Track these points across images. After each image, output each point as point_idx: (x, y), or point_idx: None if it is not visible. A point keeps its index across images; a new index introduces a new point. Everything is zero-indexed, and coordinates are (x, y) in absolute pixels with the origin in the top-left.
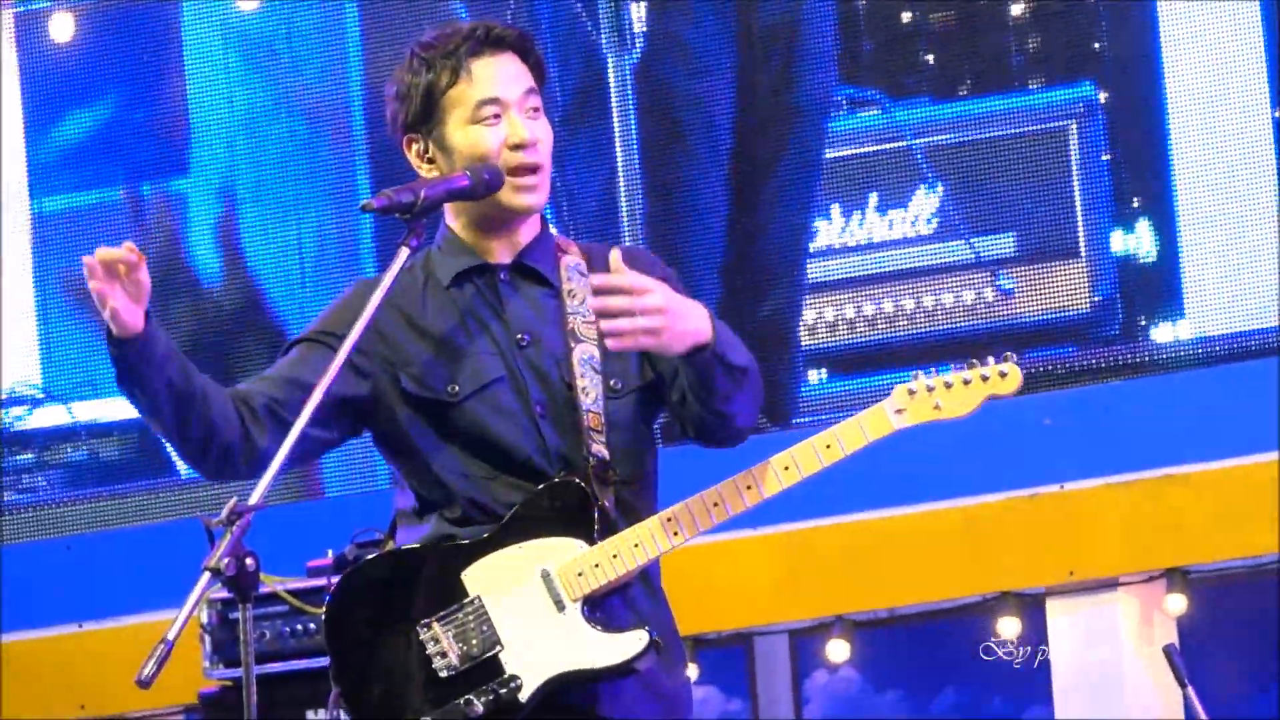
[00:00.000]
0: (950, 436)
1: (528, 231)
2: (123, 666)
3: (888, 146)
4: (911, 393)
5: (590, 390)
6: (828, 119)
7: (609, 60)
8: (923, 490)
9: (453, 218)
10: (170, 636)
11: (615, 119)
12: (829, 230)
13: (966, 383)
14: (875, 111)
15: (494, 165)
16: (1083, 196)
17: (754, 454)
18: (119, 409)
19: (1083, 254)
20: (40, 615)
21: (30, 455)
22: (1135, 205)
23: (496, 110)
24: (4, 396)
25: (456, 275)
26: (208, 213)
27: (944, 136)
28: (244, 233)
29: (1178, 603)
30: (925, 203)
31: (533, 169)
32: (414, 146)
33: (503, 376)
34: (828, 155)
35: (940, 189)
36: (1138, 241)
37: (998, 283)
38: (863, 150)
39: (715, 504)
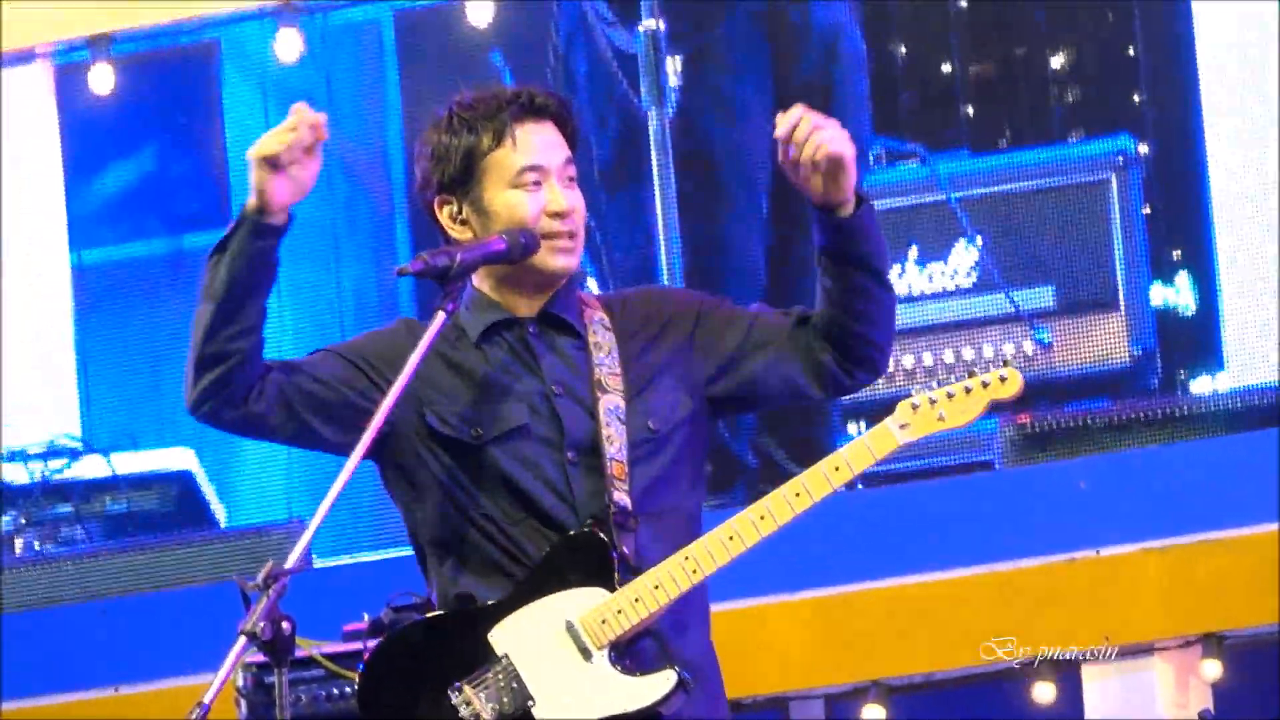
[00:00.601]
0: (987, 501)
1: (555, 288)
2: None
3: (927, 199)
4: (914, 407)
5: (615, 439)
6: (866, 171)
7: (649, 115)
8: (959, 555)
9: (480, 277)
10: (206, 700)
11: (655, 175)
12: None
13: (968, 390)
14: (914, 163)
15: (530, 230)
16: (1122, 249)
17: None
18: (158, 461)
19: (1122, 307)
20: (77, 678)
21: (69, 507)
22: (1175, 258)
23: (538, 177)
24: (44, 449)
25: (485, 330)
26: None
27: (983, 189)
28: (282, 285)
29: (1214, 669)
30: (964, 256)
31: (570, 235)
32: (446, 208)
33: (527, 425)
34: None
35: (979, 241)
36: (1177, 294)
37: (1036, 335)
38: (902, 203)
39: (731, 537)
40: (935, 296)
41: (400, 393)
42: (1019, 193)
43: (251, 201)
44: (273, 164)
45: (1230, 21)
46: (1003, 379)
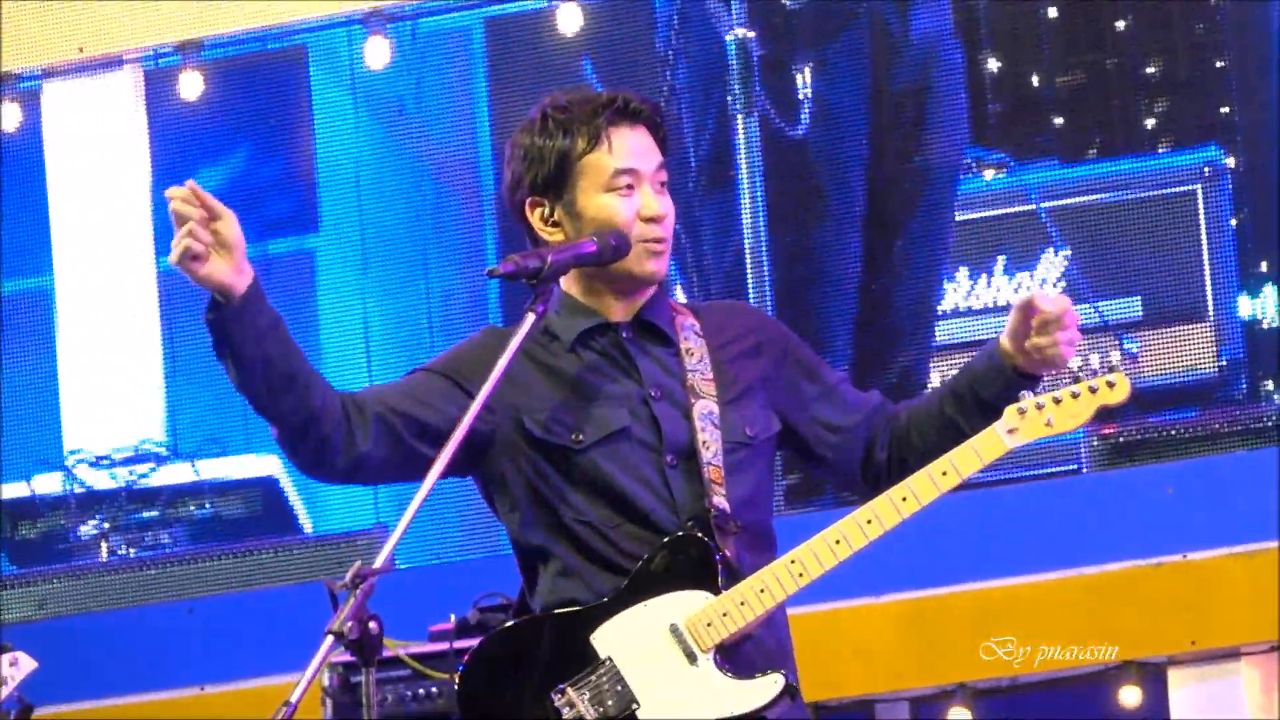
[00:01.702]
0: (1074, 505)
1: (645, 293)
2: None
3: (1015, 209)
4: (1021, 412)
5: (711, 444)
6: (958, 181)
7: (738, 122)
8: (1044, 559)
9: (570, 281)
10: (293, 699)
11: (744, 182)
12: (956, 292)
13: (1075, 395)
14: (1003, 174)
15: (621, 232)
16: (1209, 260)
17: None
18: (244, 467)
19: (1209, 317)
20: (164, 677)
21: (155, 512)
22: (1262, 269)
23: (631, 181)
24: (130, 454)
25: (580, 335)
26: (337, 269)
27: (1071, 199)
28: (371, 290)
29: None
30: (1052, 265)
31: (661, 240)
32: (538, 210)
33: (627, 428)
34: (956, 218)
35: (1067, 251)
36: (1264, 305)
37: (1123, 345)
38: (990, 213)
39: (838, 541)
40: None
41: (489, 396)
42: (1107, 203)
43: (212, 296)
44: (193, 257)
45: None
46: (1110, 385)
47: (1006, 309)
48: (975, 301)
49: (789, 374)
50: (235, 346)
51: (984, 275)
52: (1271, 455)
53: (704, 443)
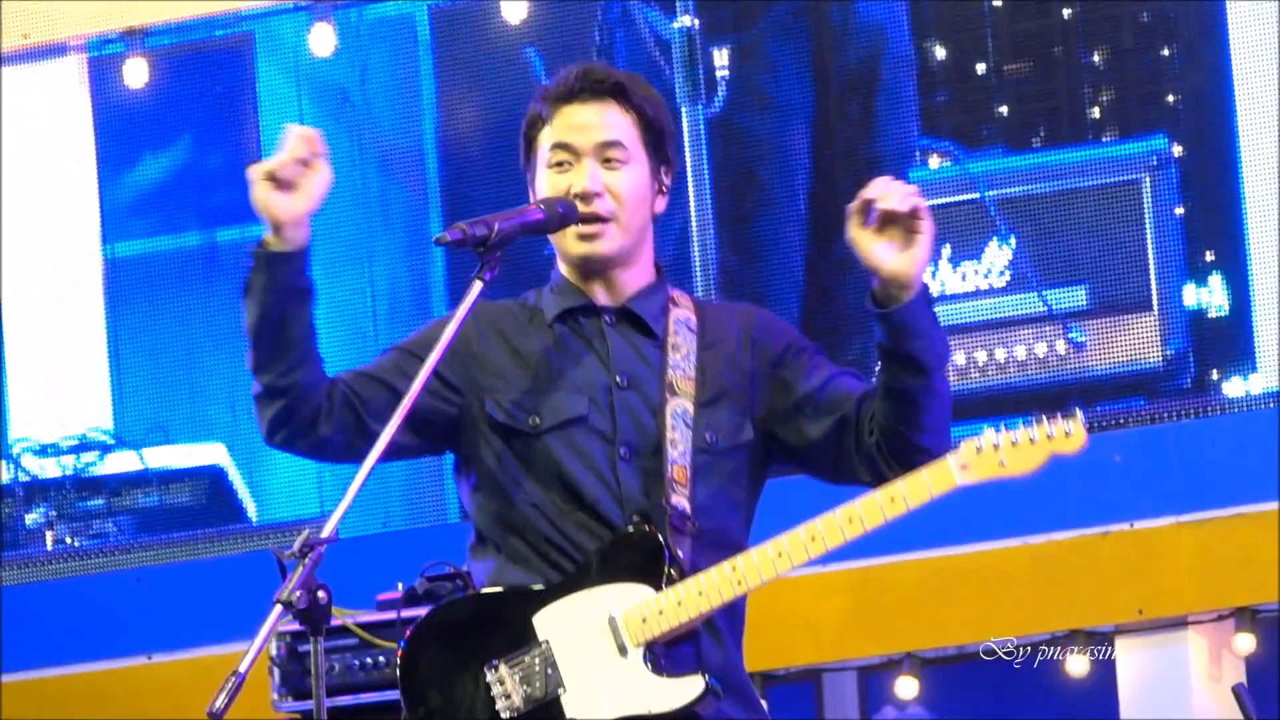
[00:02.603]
0: None
1: (636, 279)
2: (193, 698)
3: (961, 198)
4: (978, 450)
5: (679, 443)
6: (907, 170)
7: (683, 109)
8: (993, 528)
9: (560, 262)
10: (242, 669)
11: (689, 173)
12: None
13: (1032, 440)
14: (948, 163)
15: (569, 200)
16: (1155, 249)
17: (826, 501)
18: (189, 456)
19: (1155, 307)
20: (110, 646)
21: (101, 500)
22: (1208, 259)
23: (565, 157)
24: (75, 443)
25: (561, 312)
26: None
27: (1017, 188)
28: (316, 278)
29: (1246, 642)
30: (998, 255)
31: (596, 218)
32: (528, 178)
33: (584, 416)
34: None
35: (1013, 241)
36: (1210, 295)
37: (1069, 335)
38: (936, 202)
39: (779, 554)
40: (968, 295)
41: (433, 369)
42: (1053, 192)
43: (265, 236)
44: (273, 179)
45: (1265, 23)
46: (1067, 434)
47: (953, 298)
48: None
49: (785, 374)
50: (263, 290)
51: (929, 265)
52: (1215, 423)
53: (672, 441)
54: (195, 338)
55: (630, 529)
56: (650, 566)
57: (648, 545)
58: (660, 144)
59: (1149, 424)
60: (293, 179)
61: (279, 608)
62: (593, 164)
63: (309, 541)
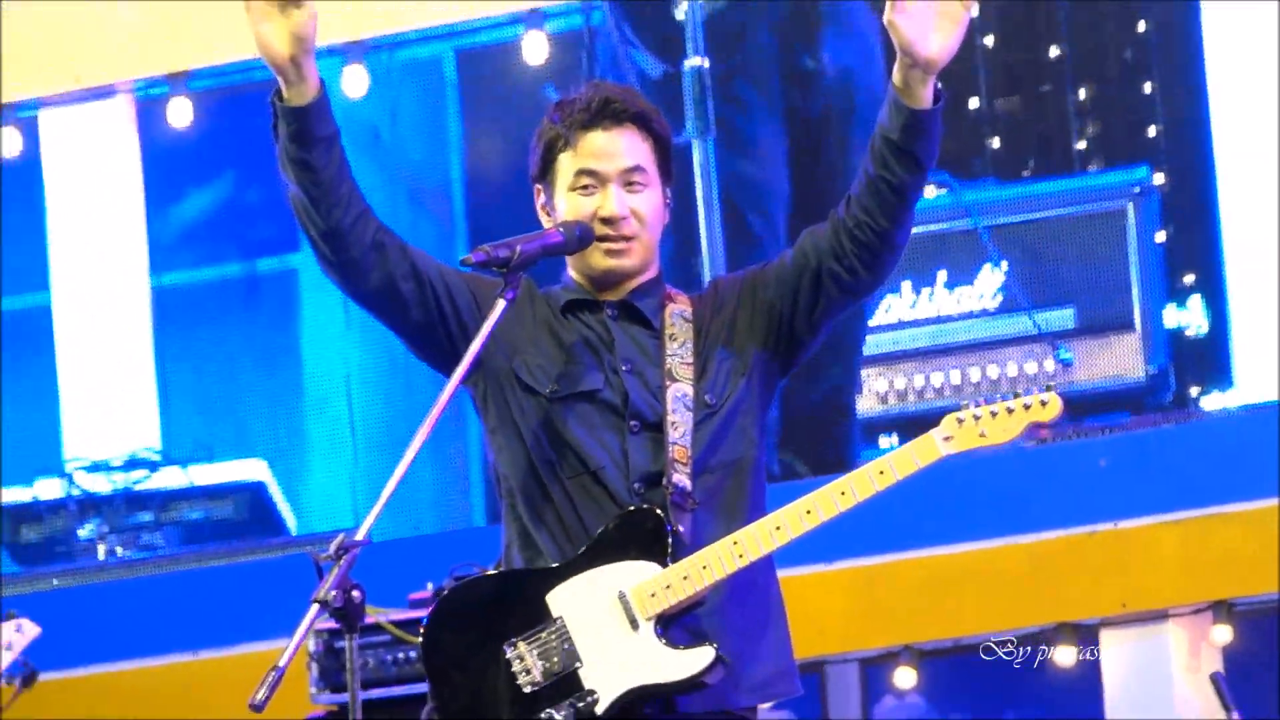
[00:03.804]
0: (1013, 477)
1: (640, 279)
2: (236, 692)
3: (956, 226)
4: (960, 421)
5: (680, 425)
6: None
7: (694, 142)
8: (985, 527)
9: (571, 268)
10: (282, 664)
11: (700, 203)
12: (901, 304)
13: (1010, 411)
14: (944, 193)
15: (585, 224)
16: (1138, 273)
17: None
18: (232, 472)
19: (1138, 327)
20: (160, 644)
21: (150, 515)
22: (1188, 282)
23: (591, 182)
24: (126, 461)
25: (568, 303)
26: (319, 286)
27: (1008, 217)
28: (352, 305)
29: (1224, 633)
30: (990, 279)
31: (624, 238)
32: (540, 196)
33: (599, 390)
34: None
35: (1004, 266)
36: (1190, 315)
37: (1058, 354)
38: (932, 230)
39: (778, 528)
40: (963, 317)
41: (471, 364)
42: (1042, 220)
43: (282, 90)
44: (261, 18)
45: (1240, 61)
46: (1043, 402)
47: (949, 320)
48: (920, 313)
49: (759, 296)
50: (287, 141)
51: (926, 288)
52: (1194, 429)
53: (673, 423)
54: (237, 361)
55: (635, 507)
56: (654, 543)
57: (650, 523)
58: (669, 165)
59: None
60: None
61: (316, 606)
62: (617, 189)
63: (344, 545)
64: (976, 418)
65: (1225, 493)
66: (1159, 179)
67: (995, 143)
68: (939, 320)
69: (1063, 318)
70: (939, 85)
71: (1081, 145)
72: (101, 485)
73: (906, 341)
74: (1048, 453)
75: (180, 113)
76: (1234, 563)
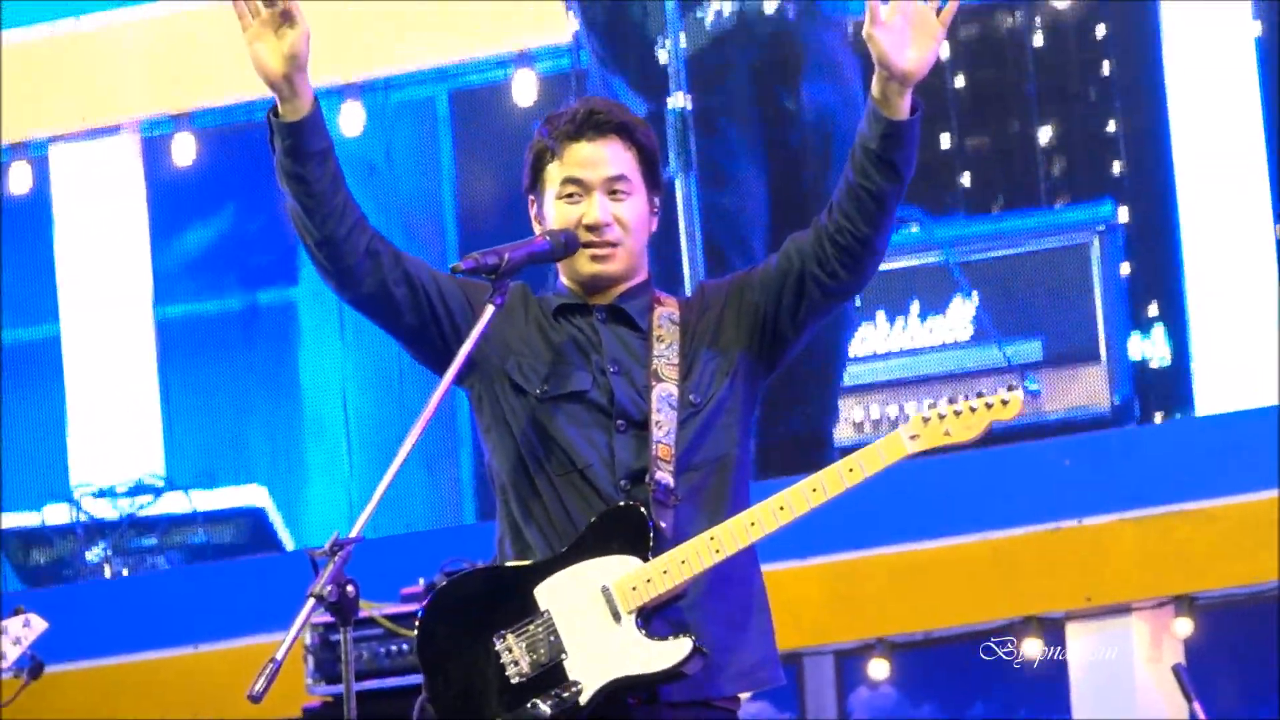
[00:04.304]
0: (981, 474)
1: (620, 285)
2: (235, 682)
3: (927, 260)
4: (925, 420)
5: (664, 424)
6: None
7: (676, 179)
8: (955, 524)
9: (562, 274)
10: (279, 656)
11: (684, 243)
12: (875, 335)
13: (973, 410)
14: (915, 228)
15: (570, 231)
16: (1103, 305)
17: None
18: (233, 498)
19: (1103, 358)
20: (161, 638)
21: (154, 539)
22: (1151, 314)
23: (576, 190)
24: (131, 487)
25: (559, 307)
26: (316, 317)
27: (978, 251)
28: (348, 337)
29: (1185, 626)
30: (961, 311)
31: (608, 244)
32: (532, 207)
33: (588, 391)
34: None
35: (975, 298)
36: (1153, 346)
37: (1026, 385)
38: (904, 264)
39: (752, 524)
40: (935, 349)
41: (465, 365)
42: (1011, 254)
43: (277, 107)
44: (255, 38)
45: (1201, 100)
46: (1004, 402)
47: (921, 351)
48: (894, 344)
49: (745, 297)
50: (283, 155)
51: (900, 319)
52: (1156, 429)
53: (657, 422)
54: (239, 390)
55: (619, 504)
56: (636, 539)
57: (634, 519)
58: (655, 174)
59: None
60: (263, 27)
61: (312, 601)
62: (601, 197)
63: (338, 541)
64: (941, 416)
65: (1185, 491)
66: (1123, 214)
67: (965, 179)
68: (912, 352)
69: (1031, 349)
70: (916, 97)
71: (1049, 182)
72: (107, 510)
73: (882, 372)
74: (1014, 452)
75: (184, 150)
76: (1195, 558)
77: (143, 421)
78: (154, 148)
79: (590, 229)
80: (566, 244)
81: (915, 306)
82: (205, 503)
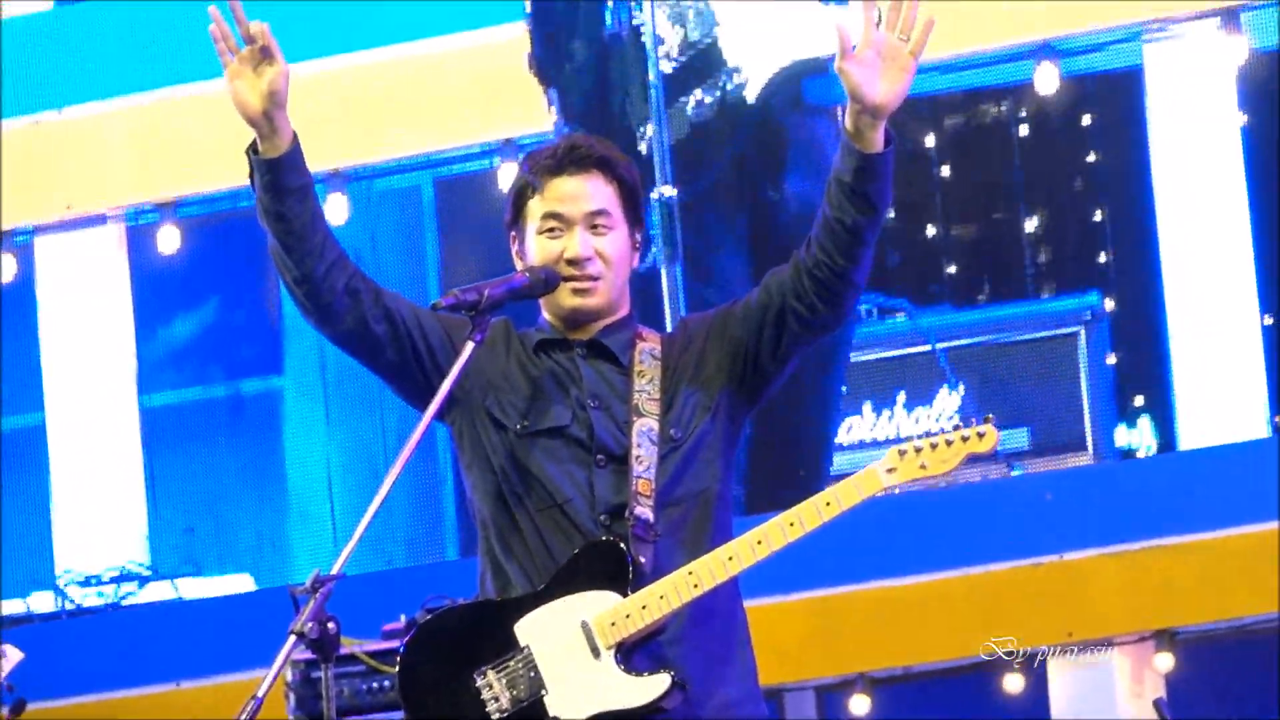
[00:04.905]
0: (963, 510)
1: (601, 320)
2: (217, 719)
3: (913, 350)
4: (901, 453)
5: (645, 459)
6: (854, 327)
7: (662, 270)
8: (937, 560)
9: (544, 310)
10: (260, 693)
11: (668, 319)
12: (861, 425)
13: (949, 443)
14: (902, 317)
15: (550, 268)
16: (1089, 395)
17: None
18: (219, 586)
19: (1090, 448)
20: (144, 674)
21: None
22: (1137, 404)
23: (556, 225)
24: (116, 574)
25: (540, 343)
26: (301, 407)
27: (964, 340)
28: (333, 425)
29: (1166, 661)
30: (948, 401)
31: (589, 278)
32: (514, 243)
33: (567, 426)
34: (860, 358)
35: (961, 388)
36: (1139, 436)
37: (1013, 474)
38: (891, 354)
39: (730, 558)
40: (921, 439)
41: (446, 401)
42: (997, 344)
43: (258, 144)
44: (235, 75)
45: (1189, 191)
46: (980, 434)
47: (907, 440)
48: (879, 434)
49: (727, 333)
50: (262, 192)
51: (886, 410)
52: (1138, 465)
53: (638, 457)
54: (223, 479)
55: (598, 539)
56: (616, 574)
57: (613, 554)
58: (636, 208)
59: None
60: (242, 64)
61: (294, 638)
62: (582, 231)
63: (320, 579)
64: (918, 450)
65: (1165, 526)
66: (1109, 304)
67: (952, 269)
68: (899, 441)
69: (1017, 437)
70: (890, 130)
71: (1034, 272)
72: (91, 599)
73: (867, 461)
74: (996, 488)
75: (169, 239)
76: (1175, 593)
77: (127, 509)
78: (139, 237)
79: (571, 263)
80: (547, 280)
81: (901, 397)
82: (191, 591)
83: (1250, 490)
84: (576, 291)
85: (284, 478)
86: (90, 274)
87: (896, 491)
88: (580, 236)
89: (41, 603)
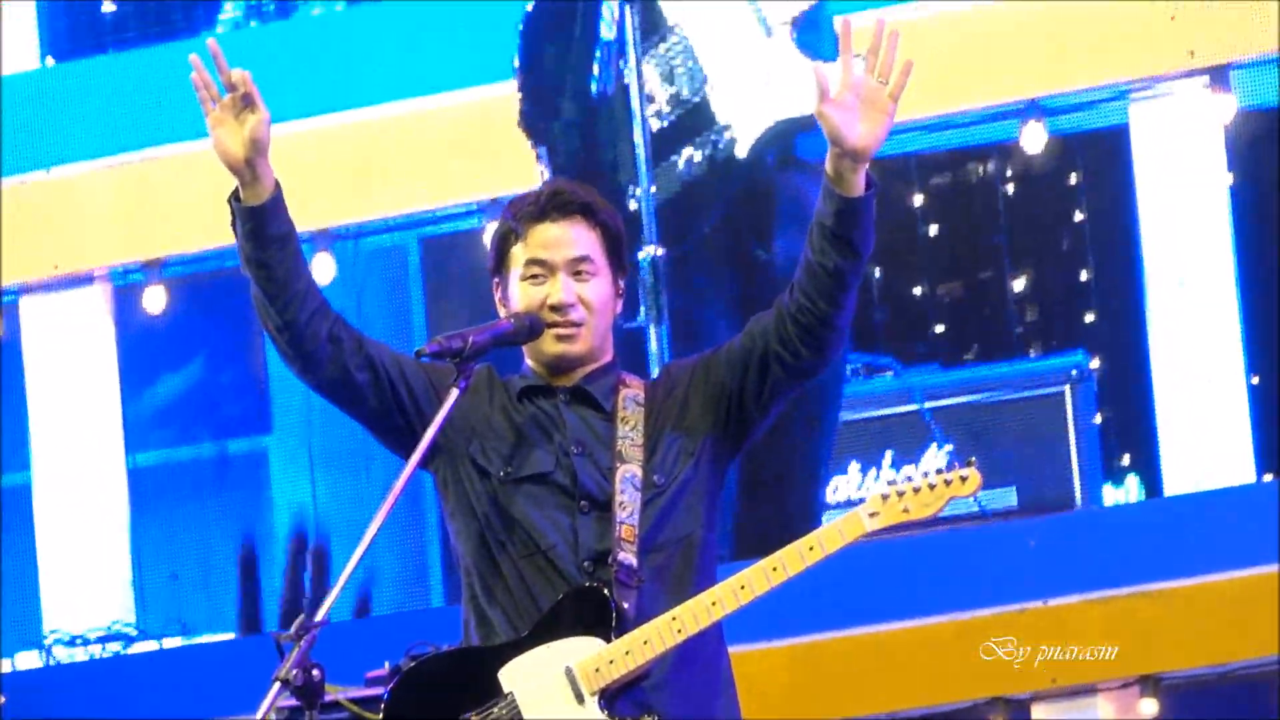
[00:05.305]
0: (947, 556)
1: (585, 366)
2: None
3: (901, 409)
4: (884, 498)
5: (628, 505)
6: (843, 383)
7: (650, 329)
8: (921, 605)
9: (528, 356)
10: None
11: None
12: (847, 485)
13: (931, 487)
14: (889, 376)
15: (535, 315)
16: (1077, 454)
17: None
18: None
19: (1077, 506)
20: None
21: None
22: (1124, 463)
23: (540, 271)
24: (103, 634)
25: (523, 389)
26: (288, 466)
27: (952, 399)
28: (320, 484)
29: (1150, 707)
30: (935, 459)
31: (572, 324)
32: (497, 290)
33: (551, 472)
34: (847, 417)
35: (949, 447)
36: (1127, 495)
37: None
38: (878, 413)
39: (714, 603)
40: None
41: (430, 449)
42: (984, 403)
43: (239, 191)
44: (217, 123)
45: (1175, 251)
46: (963, 478)
47: (890, 484)
48: (866, 493)
49: (710, 378)
50: (244, 240)
51: (873, 469)
52: (1120, 512)
53: (621, 503)
54: (209, 539)
55: (582, 585)
56: (600, 620)
57: (596, 600)
58: (620, 255)
59: None
60: (224, 113)
61: (278, 685)
62: (565, 277)
63: (304, 625)
64: (900, 494)
65: (1149, 572)
66: (1095, 363)
67: (939, 328)
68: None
69: (1005, 496)
70: (871, 175)
71: (1021, 331)
72: (78, 658)
73: None
74: (980, 534)
75: (155, 299)
76: (1160, 638)
77: (114, 569)
78: (125, 297)
79: (554, 309)
80: (531, 327)
81: (889, 456)
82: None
83: (1233, 537)
84: (560, 338)
85: (271, 537)
86: (76, 334)
87: (880, 536)
88: (563, 282)
89: (27, 662)
